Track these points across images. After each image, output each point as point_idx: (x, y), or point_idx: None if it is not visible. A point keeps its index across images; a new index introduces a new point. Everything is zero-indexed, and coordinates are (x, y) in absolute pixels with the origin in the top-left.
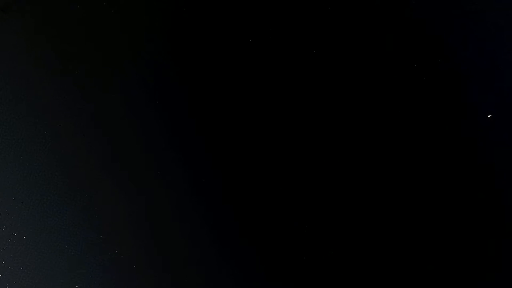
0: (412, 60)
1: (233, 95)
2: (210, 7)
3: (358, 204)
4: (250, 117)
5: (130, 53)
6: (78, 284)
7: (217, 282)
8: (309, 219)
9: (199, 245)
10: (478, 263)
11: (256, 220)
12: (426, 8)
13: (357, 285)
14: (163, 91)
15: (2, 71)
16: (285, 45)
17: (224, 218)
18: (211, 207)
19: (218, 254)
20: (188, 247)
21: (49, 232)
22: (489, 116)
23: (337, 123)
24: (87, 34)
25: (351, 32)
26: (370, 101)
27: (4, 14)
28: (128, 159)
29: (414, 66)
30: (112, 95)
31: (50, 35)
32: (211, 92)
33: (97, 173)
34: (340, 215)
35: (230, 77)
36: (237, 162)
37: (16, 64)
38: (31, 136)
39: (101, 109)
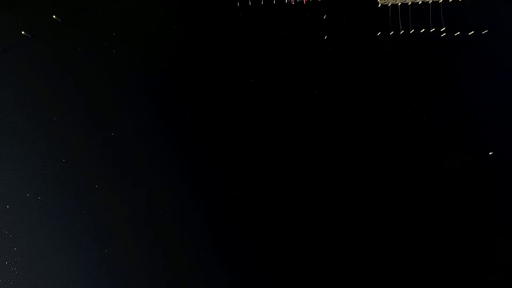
0: (411, 99)
1: (235, 126)
2: (215, 51)
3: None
4: (253, 159)
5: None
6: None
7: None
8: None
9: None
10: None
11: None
12: (425, 49)
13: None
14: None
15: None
16: (282, 86)
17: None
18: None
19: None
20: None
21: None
22: (490, 153)
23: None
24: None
25: (351, 71)
26: (369, 140)
27: (6, 53)
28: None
29: (414, 106)
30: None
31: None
32: (214, 127)
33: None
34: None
35: (233, 112)
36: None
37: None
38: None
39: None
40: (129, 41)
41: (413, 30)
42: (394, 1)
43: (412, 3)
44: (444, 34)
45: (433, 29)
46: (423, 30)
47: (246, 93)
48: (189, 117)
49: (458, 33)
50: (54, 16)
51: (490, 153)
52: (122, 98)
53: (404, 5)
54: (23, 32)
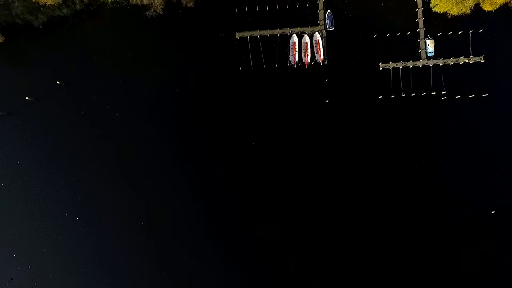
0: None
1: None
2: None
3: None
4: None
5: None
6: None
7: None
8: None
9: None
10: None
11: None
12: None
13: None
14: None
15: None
16: (284, 149)
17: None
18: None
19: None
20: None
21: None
22: (493, 212)
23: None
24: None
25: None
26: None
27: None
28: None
29: (415, 168)
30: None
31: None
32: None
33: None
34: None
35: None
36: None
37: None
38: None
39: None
40: (131, 104)
41: (414, 94)
42: (395, 65)
43: (413, 66)
44: (445, 97)
45: (434, 93)
46: (424, 93)
47: (249, 156)
48: (195, 177)
49: (459, 96)
50: (57, 82)
51: (493, 212)
52: (126, 158)
53: (405, 68)
54: (27, 98)
